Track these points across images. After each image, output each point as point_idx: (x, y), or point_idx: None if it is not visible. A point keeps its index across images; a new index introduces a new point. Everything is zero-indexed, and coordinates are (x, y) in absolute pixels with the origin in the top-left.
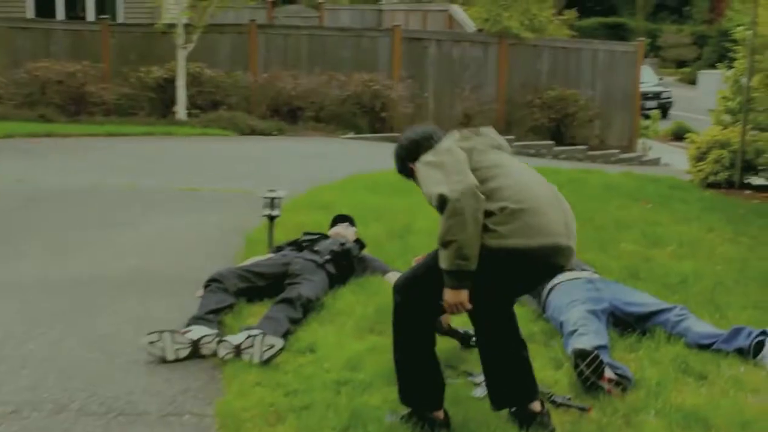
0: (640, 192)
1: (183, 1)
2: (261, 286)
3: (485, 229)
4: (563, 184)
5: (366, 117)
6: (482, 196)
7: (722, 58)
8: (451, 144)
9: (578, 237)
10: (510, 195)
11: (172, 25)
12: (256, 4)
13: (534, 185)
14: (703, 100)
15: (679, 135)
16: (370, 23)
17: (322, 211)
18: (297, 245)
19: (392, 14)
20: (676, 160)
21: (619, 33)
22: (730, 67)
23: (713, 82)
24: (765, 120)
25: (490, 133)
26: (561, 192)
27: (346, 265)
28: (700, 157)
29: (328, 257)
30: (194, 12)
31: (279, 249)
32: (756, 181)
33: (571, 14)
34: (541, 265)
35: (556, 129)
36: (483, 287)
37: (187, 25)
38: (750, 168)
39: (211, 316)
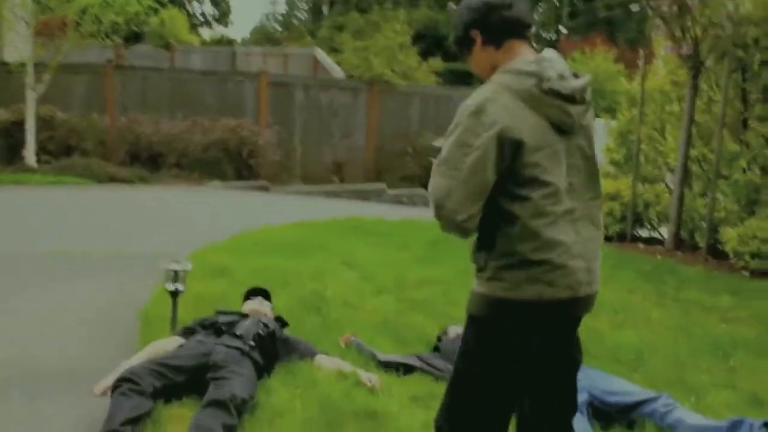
0: None
1: (28, 37)
2: (179, 382)
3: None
4: (458, 240)
5: (232, 164)
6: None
7: None
8: (500, 105)
9: None
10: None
11: (22, 64)
12: (105, 44)
13: None
14: None
15: None
16: (223, 66)
17: (221, 279)
18: (213, 328)
19: (247, 57)
20: None
21: (466, 80)
22: (614, 119)
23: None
24: (651, 173)
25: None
26: (461, 252)
27: (272, 350)
28: None
29: (252, 343)
30: (45, 50)
31: (189, 331)
32: (644, 233)
33: (437, 62)
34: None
35: (427, 177)
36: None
37: (37, 65)
38: (639, 220)
39: (128, 428)
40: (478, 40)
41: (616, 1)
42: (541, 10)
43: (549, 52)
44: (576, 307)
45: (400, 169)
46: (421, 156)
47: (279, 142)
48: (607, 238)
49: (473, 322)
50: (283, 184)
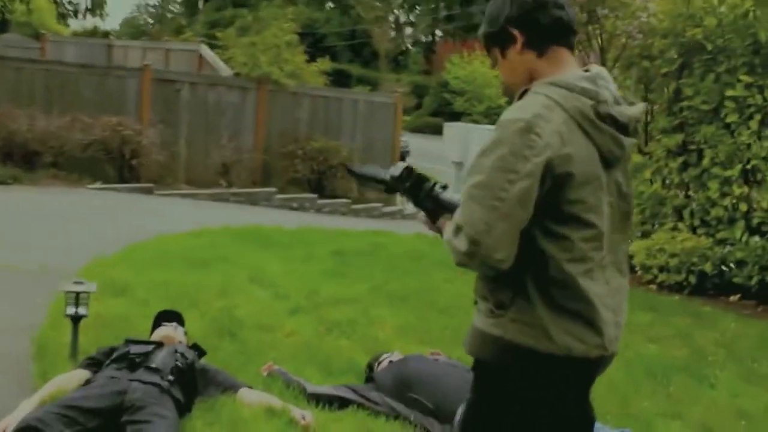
0: (449, 259)
1: None
2: (92, 427)
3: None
4: (366, 254)
5: (114, 164)
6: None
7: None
8: (549, 124)
9: (432, 329)
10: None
11: None
12: None
13: None
14: (447, 151)
15: None
16: (99, 59)
17: (120, 298)
18: (126, 360)
19: (125, 50)
20: None
21: (341, 80)
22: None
23: (458, 133)
24: None
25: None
26: (368, 265)
27: (192, 384)
28: None
29: (171, 377)
30: None
31: (93, 363)
32: None
33: (325, 62)
34: None
35: (317, 181)
36: None
37: None
38: None
39: None
40: (519, 40)
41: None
42: (417, 13)
43: (599, 69)
44: (602, 366)
45: (289, 172)
46: (312, 160)
47: (163, 142)
48: None
49: (486, 369)
50: (168, 187)
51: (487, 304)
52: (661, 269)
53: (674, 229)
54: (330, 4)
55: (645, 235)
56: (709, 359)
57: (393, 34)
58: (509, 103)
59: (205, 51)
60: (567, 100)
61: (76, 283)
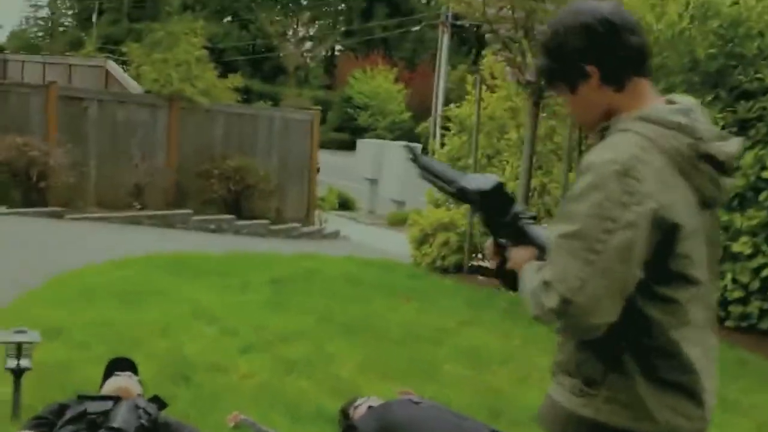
0: (386, 283)
1: None
2: None
3: None
4: (301, 280)
5: (21, 188)
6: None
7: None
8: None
9: (392, 362)
10: None
11: None
12: None
13: None
14: (361, 168)
15: (344, 205)
16: None
17: (56, 342)
18: (83, 421)
19: (21, 65)
20: (353, 230)
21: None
22: (443, 145)
23: (371, 150)
24: None
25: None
26: (307, 293)
27: None
28: (422, 240)
29: None
30: None
31: (43, 423)
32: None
33: (237, 78)
34: None
35: (234, 201)
36: None
37: None
38: (476, 250)
39: None
40: (595, 76)
41: (392, 22)
42: (317, 27)
43: (689, 100)
44: None
45: (204, 192)
46: (229, 179)
47: (72, 162)
48: (443, 269)
49: None
50: (79, 210)
51: (574, 380)
52: None
53: None
54: (228, 18)
55: None
56: None
57: (293, 49)
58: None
59: (113, 67)
60: (663, 138)
61: (18, 332)
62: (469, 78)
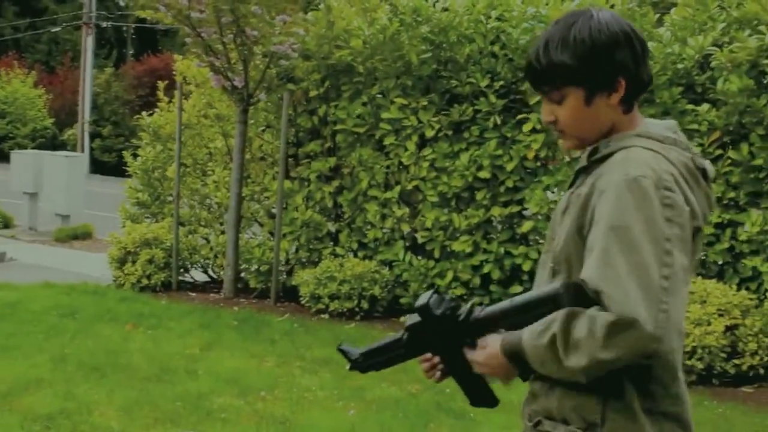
0: (103, 311)
1: None
2: None
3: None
4: (6, 316)
5: None
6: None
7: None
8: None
9: (159, 403)
10: None
11: None
12: None
13: None
14: (17, 181)
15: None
16: None
17: None
18: None
19: None
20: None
21: None
22: (136, 155)
23: (29, 162)
24: (187, 215)
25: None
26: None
27: None
28: (124, 259)
29: None
30: None
31: None
32: (198, 276)
33: None
34: None
35: None
36: None
37: None
38: (183, 266)
39: None
40: (620, 93)
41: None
42: None
43: (668, 119)
44: None
45: None
46: None
47: None
48: (152, 289)
49: None
50: None
51: (570, 427)
52: (332, 297)
53: (334, 254)
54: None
55: (308, 262)
56: None
57: None
58: None
59: None
60: (666, 151)
61: None
62: (160, 84)
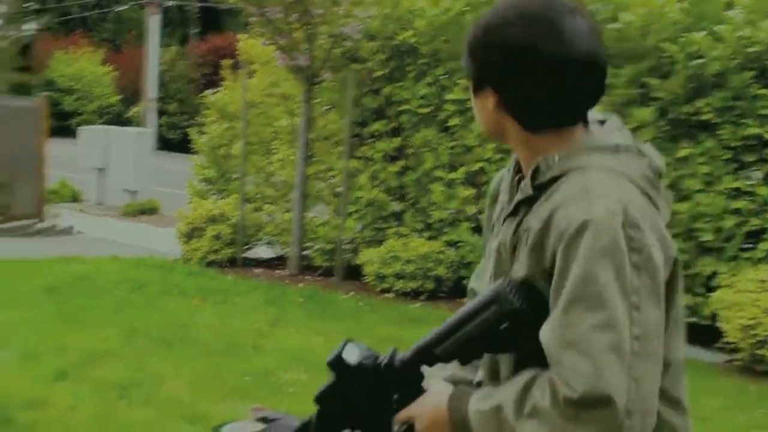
0: (171, 285)
1: None
2: None
3: None
4: (79, 288)
5: None
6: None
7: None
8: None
9: (226, 377)
10: None
11: None
12: None
13: None
14: (85, 157)
15: (73, 196)
16: None
17: None
18: None
19: None
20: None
21: None
22: (202, 133)
23: (97, 137)
24: (253, 192)
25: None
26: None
27: None
28: (191, 234)
29: None
30: None
31: None
32: (263, 253)
33: None
34: None
35: None
36: None
37: None
38: (248, 243)
39: None
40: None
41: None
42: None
43: (605, 115)
44: None
45: None
46: None
47: None
48: (215, 263)
49: None
50: None
51: None
52: (398, 277)
53: (398, 234)
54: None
55: (373, 241)
56: None
57: None
58: None
59: None
60: (624, 166)
61: None
62: (224, 63)
